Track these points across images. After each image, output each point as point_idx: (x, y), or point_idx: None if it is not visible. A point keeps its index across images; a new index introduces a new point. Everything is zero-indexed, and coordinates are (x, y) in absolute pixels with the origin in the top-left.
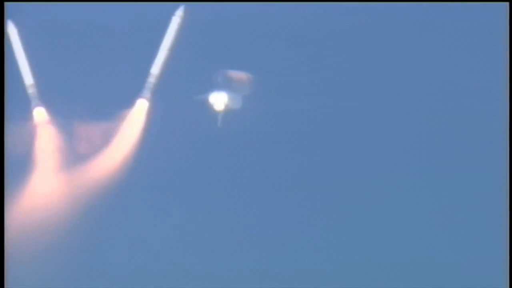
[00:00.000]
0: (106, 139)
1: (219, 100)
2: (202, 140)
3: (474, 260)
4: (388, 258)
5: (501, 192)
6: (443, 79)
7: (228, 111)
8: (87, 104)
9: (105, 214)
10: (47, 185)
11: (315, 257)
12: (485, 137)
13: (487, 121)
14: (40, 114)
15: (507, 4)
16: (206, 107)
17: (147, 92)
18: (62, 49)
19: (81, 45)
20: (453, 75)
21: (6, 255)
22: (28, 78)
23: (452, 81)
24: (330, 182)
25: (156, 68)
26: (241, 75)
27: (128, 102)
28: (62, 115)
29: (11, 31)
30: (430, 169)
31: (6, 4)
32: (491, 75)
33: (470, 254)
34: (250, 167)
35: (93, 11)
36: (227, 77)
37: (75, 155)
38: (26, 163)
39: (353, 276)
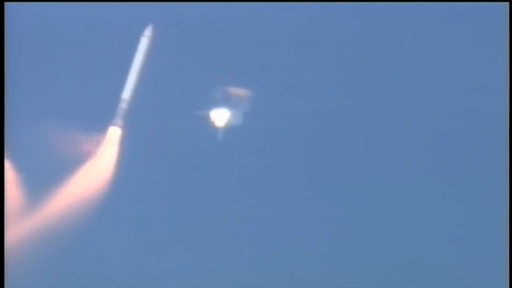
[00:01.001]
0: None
1: (220, 116)
2: (201, 157)
3: (474, 260)
4: (389, 258)
5: (501, 192)
6: (443, 79)
7: (229, 127)
8: (51, 135)
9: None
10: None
11: (327, 268)
12: (485, 137)
13: (487, 121)
14: None
15: (507, 4)
16: (206, 123)
17: (118, 119)
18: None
19: (47, 66)
20: (453, 75)
21: (6, 255)
22: None
23: (452, 81)
24: (333, 201)
25: (127, 93)
26: (241, 91)
27: (98, 131)
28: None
29: None
30: (431, 169)
31: (6, 4)
32: (491, 75)
33: (470, 254)
34: (254, 179)
35: (64, 27)
36: (227, 94)
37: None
38: None
39: (355, 277)
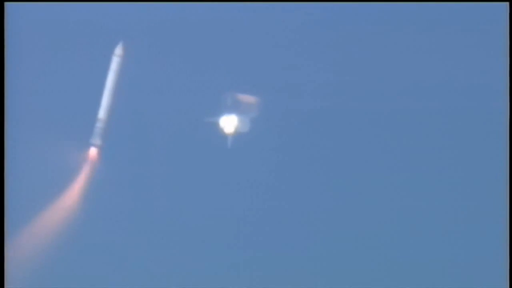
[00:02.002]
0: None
1: (229, 122)
2: (211, 163)
3: (474, 260)
4: (389, 257)
5: (501, 192)
6: (443, 79)
7: (237, 133)
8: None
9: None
10: None
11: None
12: (485, 137)
13: (487, 121)
14: None
15: (507, 4)
16: (215, 130)
17: (96, 138)
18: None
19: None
20: (453, 75)
21: (6, 255)
22: None
23: (452, 81)
24: (343, 206)
25: (102, 112)
26: (249, 97)
27: (76, 152)
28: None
29: None
30: (432, 168)
31: (6, 4)
32: (491, 75)
33: (470, 254)
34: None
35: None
36: (236, 100)
37: None
38: None
39: (356, 277)
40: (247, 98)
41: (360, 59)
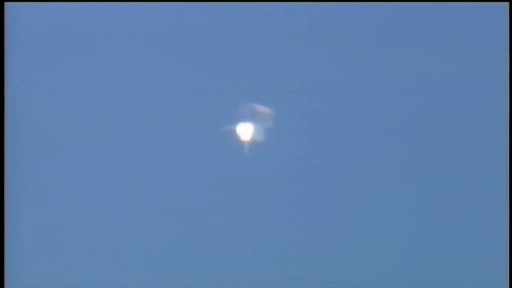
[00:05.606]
0: None
1: (245, 130)
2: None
3: (474, 260)
4: (388, 258)
5: (501, 193)
6: (442, 80)
7: (253, 142)
8: None
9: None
10: None
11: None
12: (484, 138)
13: (487, 122)
14: None
15: (507, 4)
16: (232, 138)
17: None
18: None
19: None
20: (452, 75)
21: (6, 255)
22: None
23: (451, 81)
24: (364, 220)
25: None
26: (264, 108)
27: None
28: None
29: None
30: (431, 170)
31: (6, 4)
32: (491, 75)
33: (470, 254)
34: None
35: None
36: (252, 109)
37: None
38: None
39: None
40: (262, 108)
41: (354, 59)
